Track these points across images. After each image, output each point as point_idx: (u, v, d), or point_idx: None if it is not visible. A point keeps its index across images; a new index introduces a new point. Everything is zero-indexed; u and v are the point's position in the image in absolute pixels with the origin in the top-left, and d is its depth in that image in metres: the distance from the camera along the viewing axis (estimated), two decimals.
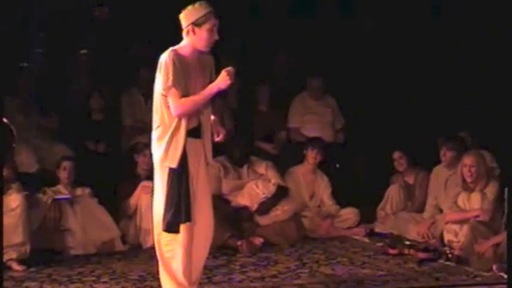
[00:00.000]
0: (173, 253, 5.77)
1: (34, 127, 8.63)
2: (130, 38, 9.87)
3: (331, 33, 10.05)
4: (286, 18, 10.20)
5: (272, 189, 8.29)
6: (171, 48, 5.69)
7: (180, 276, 5.78)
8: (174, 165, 5.66)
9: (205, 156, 5.85)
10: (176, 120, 5.66)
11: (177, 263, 5.77)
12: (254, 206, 8.22)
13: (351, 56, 9.91)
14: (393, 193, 8.63)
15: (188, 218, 5.70)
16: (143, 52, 9.39)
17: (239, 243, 7.77)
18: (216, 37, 5.70)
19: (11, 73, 8.48)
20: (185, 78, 5.66)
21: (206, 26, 5.65)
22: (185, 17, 5.71)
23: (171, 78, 5.61)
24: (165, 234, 5.75)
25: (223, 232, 7.64)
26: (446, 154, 8.21)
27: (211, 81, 5.79)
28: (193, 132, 5.76)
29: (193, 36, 5.68)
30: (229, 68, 5.66)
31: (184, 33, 5.73)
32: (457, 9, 9.45)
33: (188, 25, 5.68)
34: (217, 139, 5.94)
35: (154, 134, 5.75)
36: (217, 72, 5.80)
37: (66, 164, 7.94)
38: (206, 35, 5.66)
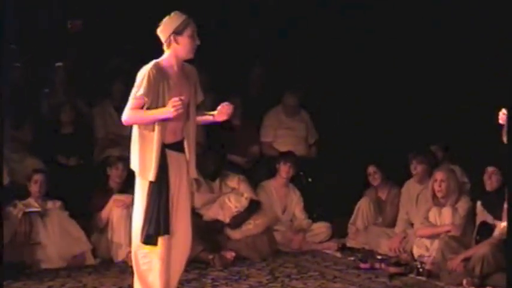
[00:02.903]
0: (150, 266, 5.76)
1: (7, 139, 8.56)
2: (105, 50, 9.85)
3: (305, 47, 10.09)
4: (261, 32, 10.25)
5: (244, 203, 8.29)
6: (153, 61, 5.69)
7: None
8: (151, 178, 5.66)
9: (188, 171, 5.84)
10: (147, 132, 5.66)
11: (154, 276, 5.75)
12: (226, 220, 8.22)
13: (324, 71, 9.94)
14: (363, 207, 8.65)
15: (167, 231, 5.70)
16: (121, 65, 9.36)
17: (211, 257, 7.76)
18: (198, 42, 5.72)
19: None
20: (163, 91, 5.65)
21: (187, 32, 5.68)
22: (164, 29, 5.72)
23: (142, 88, 5.61)
24: (143, 246, 5.73)
25: (196, 246, 7.57)
26: (416, 168, 8.25)
27: (196, 92, 5.85)
28: (176, 146, 5.77)
29: (175, 45, 5.68)
30: (176, 99, 5.58)
31: (165, 46, 5.73)
32: (429, 24, 9.53)
33: (169, 36, 5.68)
34: (227, 113, 5.91)
35: (131, 146, 5.76)
36: None
37: (37, 177, 7.90)
38: (188, 41, 5.68)
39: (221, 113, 5.92)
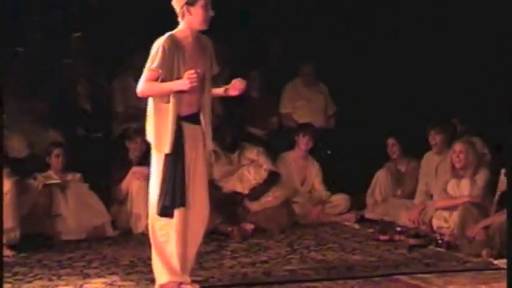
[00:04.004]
0: (167, 238, 5.76)
1: (27, 112, 8.59)
2: (124, 24, 9.83)
3: (324, 19, 10.04)
4: (279, 4, 10.21)
5: (264, 174, 8.28)
6: (168, 33, 5.68)
7: (174, 261, 5.77)
8: (167, 150, 5.66)
9: (204, 143, 5.85)
10: (163, 105, 5.65)
11: (171, 248, 5.76)
12: (245, 192, 8.22)
13: (343, 43, 9.90)
14: (381, 178, 8.64)
15: (183, 203, 5.70)
16: (135, 44, 9.33)
17: (230, 229, 7.78)
18: (212, 13, 5.69)
19: (5, 57, 8.44)
20: (178, 63, 5.64)
21: (200, 3, 5.65)
22: (178, 0, 5.70)
23: (157, 60, 5.60)
24: (160, 218, 5.74)
25: (214, 218, 7.61)
26: (435, 138, 8.23)
27: (211, 64, 5.83)
28: (192, 118, 5.76)
29: (189, 16, 5.67)
30: (191, 71, 5.57)
31: (179, 17, 5.71)
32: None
33: (182, 7, 5.66)
34: (239, 89, 5.90)
35: (147, 118, 5.76)
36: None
37: (58, 151, 7.93)
38: (201, 11, 5.65)
39: (234, 88, 5.92)
